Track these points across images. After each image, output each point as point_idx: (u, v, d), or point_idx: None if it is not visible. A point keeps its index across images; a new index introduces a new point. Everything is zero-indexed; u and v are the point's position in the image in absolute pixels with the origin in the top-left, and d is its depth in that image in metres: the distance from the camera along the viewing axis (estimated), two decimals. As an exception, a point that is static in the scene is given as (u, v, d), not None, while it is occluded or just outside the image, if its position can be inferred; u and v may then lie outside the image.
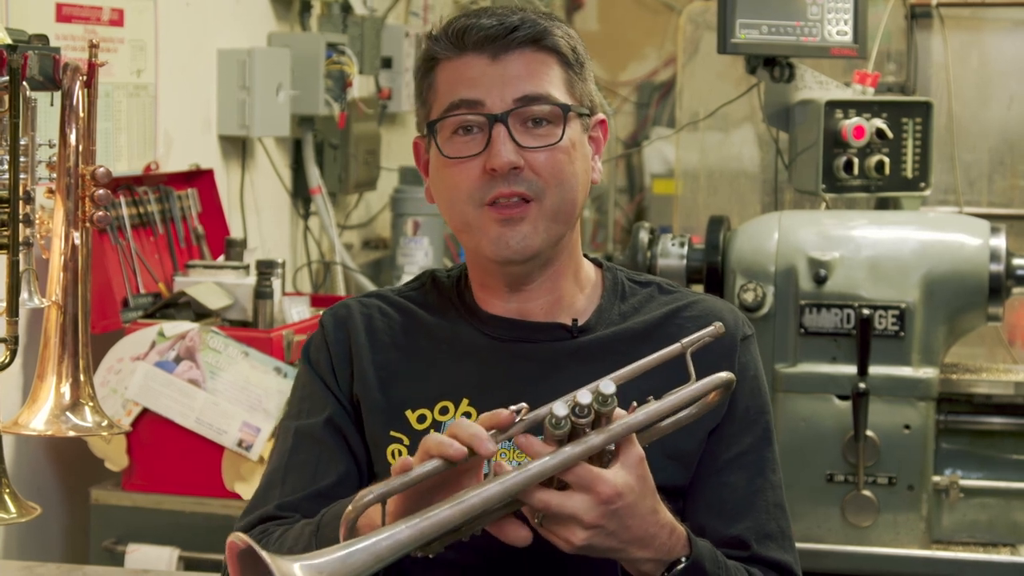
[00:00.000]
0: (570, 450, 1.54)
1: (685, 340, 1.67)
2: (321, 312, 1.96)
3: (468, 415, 1.78)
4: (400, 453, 1.78)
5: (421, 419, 1.80)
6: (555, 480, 1.56)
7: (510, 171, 1.74)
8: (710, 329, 1.69)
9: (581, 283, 1.87)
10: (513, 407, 1.57)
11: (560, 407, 1.53)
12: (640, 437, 1.62)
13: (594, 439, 1.55)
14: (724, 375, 1.69)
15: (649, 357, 1.66)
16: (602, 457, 1.58)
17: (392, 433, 1.80)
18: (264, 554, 1.39)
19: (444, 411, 1.80)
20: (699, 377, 1.68)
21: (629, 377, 1.63)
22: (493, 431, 1.56)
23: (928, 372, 3.09)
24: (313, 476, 1.80)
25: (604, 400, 1.54)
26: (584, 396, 1.54)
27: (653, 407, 1.62)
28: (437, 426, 1.79)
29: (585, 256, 1.90)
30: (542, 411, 1.56)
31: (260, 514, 1.82)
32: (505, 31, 1.76)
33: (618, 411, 1.57)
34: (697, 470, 1.80)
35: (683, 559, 1.64)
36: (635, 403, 1.62)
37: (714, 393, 1.70)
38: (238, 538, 1.42)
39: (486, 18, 1.78)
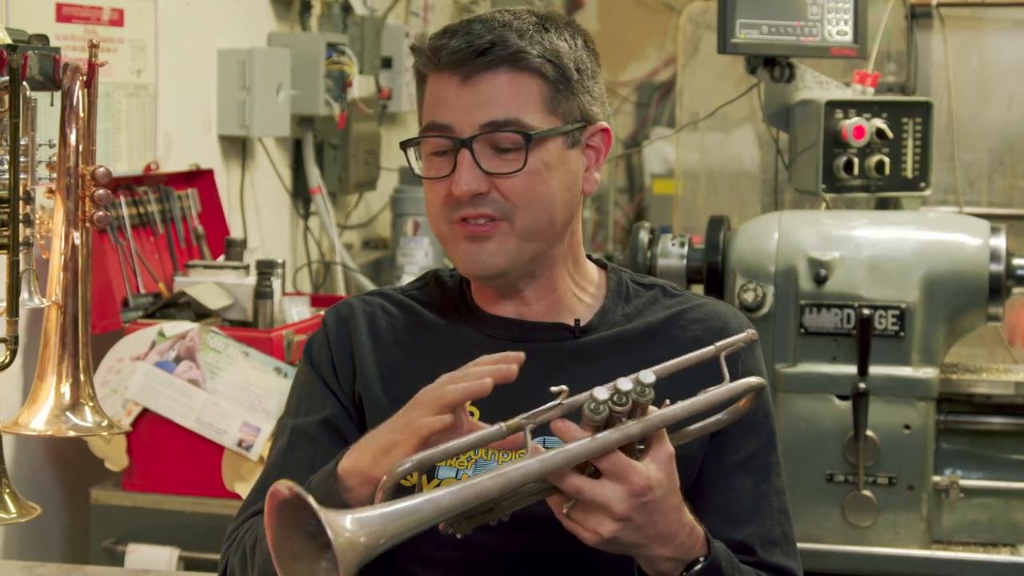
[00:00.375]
0: (607, 435, 1.54)
1: (720, 343, 1.68)
2: (322, 312, 1.96)
3: (471, 415, 1.77)
4: None
5: None
6: (587, 470, 1.56)
7: (473, 197, 1.74)
8: (744, 335, 1.70)
9: (582, 285, 1.87)
10: (555, 388, 1.57)
11: (601, 392, 1.54)
12: (672, 439, 1.63)
13: (632, 427, 1.55)
14: (756, 379, 1.70)
15: (685, 356, 1.66)
16: (633, 452, 1.58)
17: None
18: (312, 501, 1.39)
19: None
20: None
21: (666, 373, 1.62)
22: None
23: (928, 372, 3.09)
24: (307, 476, 1.80)
25: (643, 390, 1.55)
26: (624, 383, 1.55)
27: (689, 403, 1.63)
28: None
29: (588, 257, 1.90)
30: (581, 397, 1.56)
31: (253, 510, 1.81)
32: (472, 54, 1.73)
33: (652, 406, 1.58)
34: (702, 473, 1.80)
35: (701, 559, 1.64)
36: (668, 400, 1.62)
37: (745, 399, 1.71)
38: (283, 485, 1.42)
39: (456, 39, 1.74)
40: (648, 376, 1.56)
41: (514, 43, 1.74)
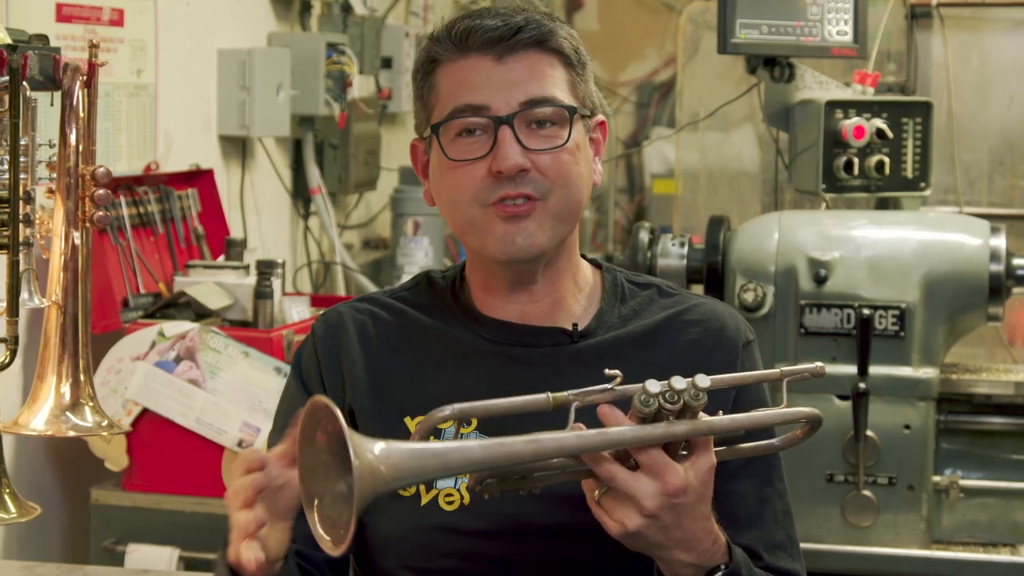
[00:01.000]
0: (652, 428, 1.54)
1: (785, 368, 1.67)
2: (322, 312, 1.95)
3: (468, 422, 1.76)
4: None
5: None
6: (627, 462, 1.55)
7: (516, 173, 1.73)
8: (812, 367, 1.69)
9: (580, 285, 1.86)
10: (609, 372, 1.56)
11: (653, 385, 1.53)
12: (718, 453, 1.63)
13: (678, 427, 1.55)
14: (812, 410, 1.69)
15: (747, 372, 1.67)
16: (675, 455, 1.58)
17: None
18: (342, 419, 1.38)
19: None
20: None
21: (723, 385, 1.62)
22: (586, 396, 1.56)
23: (928, 372, 3.09)
24: None
25: (696, 393, 1.54)
26: (679, 382, 1.54)
27: (738, 417, 1.63)
28: (437, 433, 1.76)
29: (583, 257, 1.90)
30: (633, 387, 1.55)
31: None
32: (510, 32, 1.75)
33: (702, 413, 1.58)
34: None
35: (722, 566, 1.63)
36: (721, 411, 1.61)
37: (801, 429, 1.70)
38: (321, 399, 1.41)
39: (490, 19, 1.76)
40: (703, 380, 1.55)
41: (545, 24, 1.78)
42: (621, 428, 1.53)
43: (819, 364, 1.70)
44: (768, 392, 1.86)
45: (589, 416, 1.55)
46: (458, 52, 1.76)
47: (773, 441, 1.71)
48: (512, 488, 1.58)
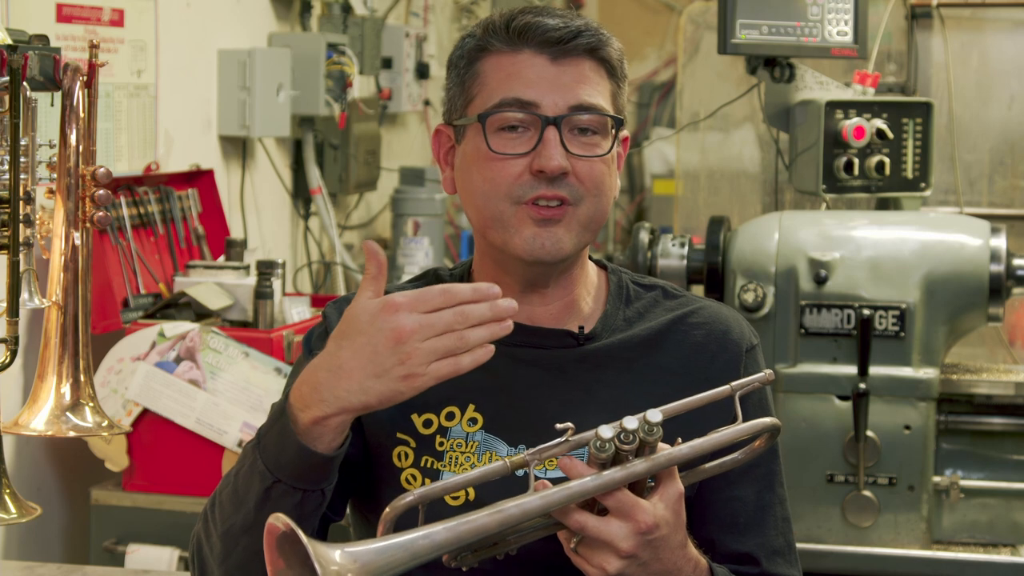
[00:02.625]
0: (612, 473, 1.54)
1: (735, 383, 1.67)
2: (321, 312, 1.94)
3: (474, 420, 1.77)
4: (406, 456, 1.76)
5: (427, 424, 1.78)
6: (595, 507, 1.56)
7: (557, 175, 1.73)
8: (761, 376, 1.69)
9: (587, 287, 1.86)
10: (560, 425, 1.57)
11: (606, 430, 1.54)
12: (683, 477, 1.63)
13: (638, 466, 1.56)
14: (769, 420, 1.69)
15: (697, 396, 1.65)
16: (641, 489, 1.58)
17: (399, 435, 1.78)
18: (303, 537, 1.39)
19: (451, 416, 1.78)
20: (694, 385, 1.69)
21: (675, 412, 1.62)
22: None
23: (928, 372, 3.09)
24: None
25: (650, 429, 1.55)
26: (630, 422, 1.55)
27: (698, 442, 1.62)
28: (443, 431, 1.77)
29: (588, 258, 1.90)
30: (587, 434, 1.56)
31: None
32: (570, 35, 1.75)
33: (662, 444, 1.58)
34: (706, 483, 1.79)
35: None
36: (680, 439, 1.62)
37: (760, 440, 1.70)
38: (278, 520, 1.42)
39: (550, 18, 1.76)
40: (655, 415, 1.55)
41: (601, 33, 1.79)
42: (582, 480, 1.53)
43: (768, 371, 1.70)
44: (769, 393, 1.86)
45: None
46: (512, 45, 1.76)
47: (736, 455, 1.71)
48: (488, 555, 1.58)
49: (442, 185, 1.86)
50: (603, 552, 1.55)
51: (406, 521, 1.52)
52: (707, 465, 1.70)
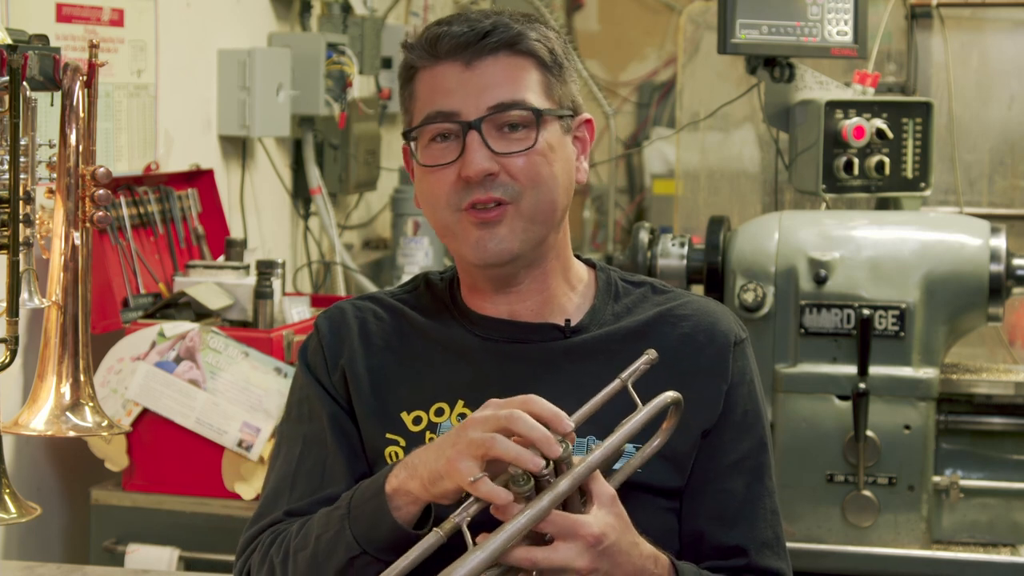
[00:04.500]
0: (540, 502, 1.55)
1: (624, 373, 1.67)
2: (323, 310, 1.96)
3: (464, 416, 1.77)
4: (397, 455, 1.78)
5: (417, 421, 1.80)
6: (545, 538, 1.56)
7: (484, 177, 1.74)
8: (644, 358, 1.69)
9: (572, 283, 1.87)
10: (471, 478, 1.56)
11: (515, 467, 1.55)
12: (616, 476, 1.65)
13: (560, 485, 1.56)
14: (669, 395, 1.69)
15: (595, 398, 1.66)
16: (577, 504, 1.59)
17: (388, 435, 1.80)
18: None
19: (440, 412, 1.80)
20: (697, 393, 1.70)
21: (579, 422, 1.62)
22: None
23: (928, 372, 3.09)
24: (321, 482, 1.80)
25: (560, 443, 1.56)
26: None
27: (607, 442, 1.63)
28: (433, 427, 1.79)
29: (577, 257, 1.90)
30: (500, 479, 1.56)
31: (270, 520, 1.81)
32: (476, 37, 1.76)
33: (576, 456, 1.58)
34: (695, 474, 1.80)
35: None
36: (594, 437, 1.64)
37: (670, 416, 1.70)
38: None
39: (457, 24, 1.77)
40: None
41: (514, 27, 1.78)
42: (516, 519, 1.53)
43: (651, 351, 1.69)
44: (758, 385, 1.86)
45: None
46: (430, 59, 1.78)
47: (656, 441, 1.71)
48: None
49: (413, 199, 1.89)
50: None
51: None
52: (634, 460, 1.70)
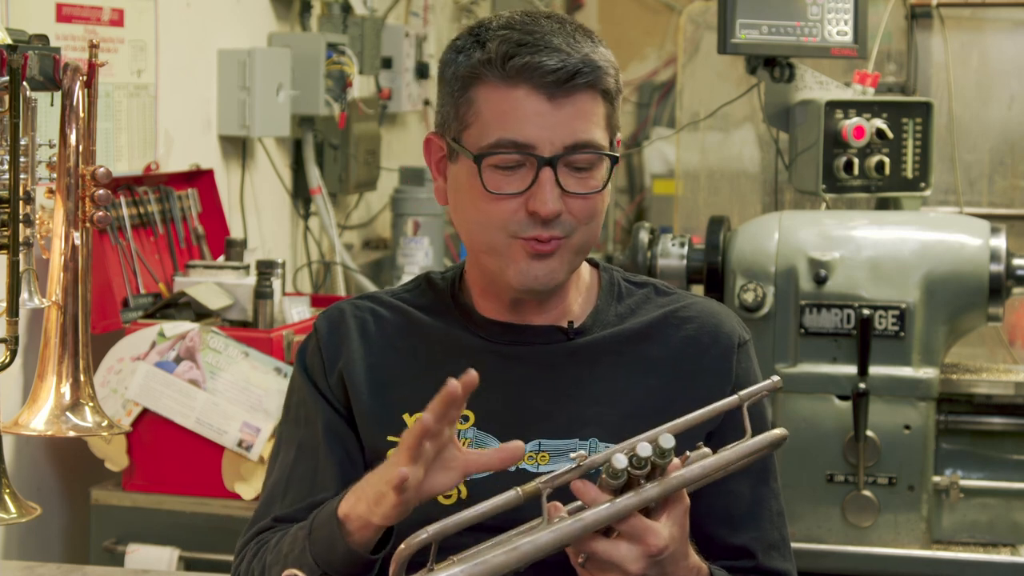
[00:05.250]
0: (626, 501, 1.54)
1: (743, 392, 1.66)
2: (322, 310, 1.95)
3: (466, 418, 1.77)
4: None
5: None
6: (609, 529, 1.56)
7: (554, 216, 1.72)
8: (768, 383, 1.68)
9: (577, 284, 1.86)
10: (573, 454, 1.56)
11: (620, 459, 1.53)
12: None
13: (650, 491, 1.56)
14: (779, 432, 1.68)
15: (705, 408, 1.64)
16: (650, 507, 1.58)
17: (390, 438, 1.79)
18: None
19: None
20: (693, 380, 1.70)
21: (686, 427, 1.62)
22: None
23: (928, 372, 3.09)
24: (311, 488, 1.80)
25: (663, 453, 1.55)
26: (644, 449, 1.54)
27: (709, 462, 1.62)
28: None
29: None
30: (599, 458, 1.56)
31: (259, 527, 1.82)
32: (567, 75, 1.70)
33: (674, 462, 1.58)
34: None
35: None
36: (688, 453, 1.62)
37: (764, 450, 1.70)
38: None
39: (547, 55, 1.70)
40: (668, 440, 1.55)
41: (598, 64, 1.73)
42: (596, 511, 1.53)
43: (776, 378, 1.69)
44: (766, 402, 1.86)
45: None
46: (508, 81, 1.72)
47: (739, 463, 1.69)
48: None
49: (434, 193, 1.85)
50: (611, 573, 1.55)
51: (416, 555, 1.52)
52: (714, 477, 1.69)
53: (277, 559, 1.72)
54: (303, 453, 1.83)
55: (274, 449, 1.89)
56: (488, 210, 1.73)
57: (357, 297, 1.92)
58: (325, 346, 1.85)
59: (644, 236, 3.28)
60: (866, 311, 3.08)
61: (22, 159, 1.78)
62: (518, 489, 1.54)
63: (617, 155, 1.76)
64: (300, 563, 1.67)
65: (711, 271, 3.23)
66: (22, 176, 1.78)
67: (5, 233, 1.78)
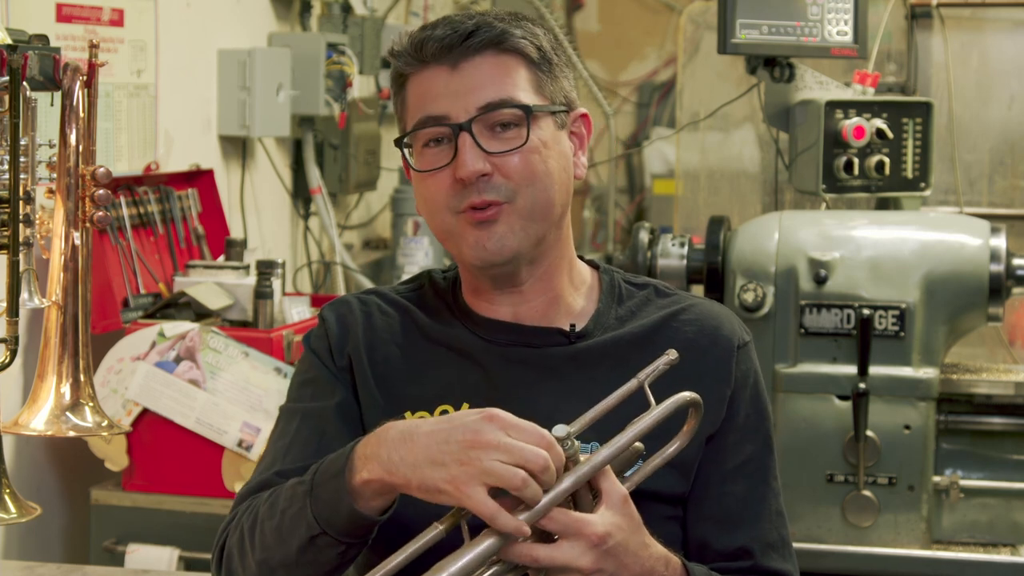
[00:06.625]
0: (543, 501, 1.53)
1: (641, 373, 1.64)
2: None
3: None
4: None
5: None
6: (550, 538, 1.55)
7: (479, 179, 1.73)
8: (664, 359, 1.65)
9: (576, 284, 1.86)
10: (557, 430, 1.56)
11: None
12: (632, 478, 1.64)
13: (563, 483, 1.54)
14: (686, 395, 1.66)
15: (608, 398, 1.63)
16: (587, 504, 1.57)
17: None
18: None
19: (444, 415, 1.78)
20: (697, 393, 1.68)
21: (590, 423, 1.61)
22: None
23: (928, 372, 3.09)
24: (317, 450, 1.77)
25: (566, 444, 1.54)
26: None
27: (616, 440, 1.60)
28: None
29: (580, 258, 1.90)
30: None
31: (259, 481, 1.79)
32: (460, 39, 1.75)
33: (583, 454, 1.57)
34: (699, 478, 1.79)
35: None
36: (597, 443, 1.62)
37: (690, 418, 1.67)
38: None
39: (441, 28, 1.76)
40: (560, 430, 1.54)
41: (497, 26, 1.77)
42: (510, 517, 1.51)
43: (672, 352, 1.65)
44: (763, 387, 1.86)
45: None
46: (417, 64, 1.77)
47: (678, 443, 1.68)
48: None
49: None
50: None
51: None
52: (654, 462, 1.68)
53: (271, 513, 1.68)
54: (307, 419, 1.81)
55: (276, 426, 1.87)
56: (428, 193, 1.77)
57: (362, 292, 1.92)
58: (333, 334, 1.85)
59: (644, 236, 3.28)
60: (866, 311, 3.08)
61: (22, 159, 1.78)
62: (437, 524, 1.54)
63: (530, 105, 1.75)
64: (297, 520, 1.64)
65: (711, 271, 3.23)
66: (22, 176, 1.78)
67: (5, 233, 1.78)
